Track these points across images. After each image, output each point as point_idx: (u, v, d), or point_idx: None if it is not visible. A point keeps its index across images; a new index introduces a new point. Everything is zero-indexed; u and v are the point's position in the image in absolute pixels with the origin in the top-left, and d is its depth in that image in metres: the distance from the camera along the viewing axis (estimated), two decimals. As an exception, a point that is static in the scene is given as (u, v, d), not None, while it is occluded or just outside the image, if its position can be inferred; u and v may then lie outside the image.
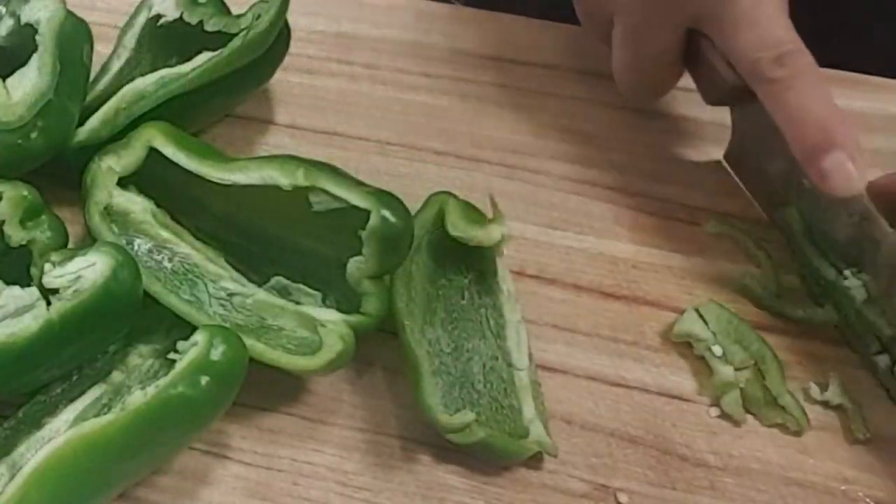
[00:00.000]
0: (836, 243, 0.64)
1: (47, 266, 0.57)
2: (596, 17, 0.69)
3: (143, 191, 0.64)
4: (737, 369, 0.62)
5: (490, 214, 0.63)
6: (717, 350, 0.63)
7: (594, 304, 0.66)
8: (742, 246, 0.68)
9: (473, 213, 0.63)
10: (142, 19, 0.71)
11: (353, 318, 0.59)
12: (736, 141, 0.70)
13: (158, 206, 0.64)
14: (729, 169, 0.71)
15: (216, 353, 0.54)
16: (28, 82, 0.63)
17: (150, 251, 0.62)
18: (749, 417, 0.62)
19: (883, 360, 0.62)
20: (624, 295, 0.66)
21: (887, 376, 0.62)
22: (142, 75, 0.68)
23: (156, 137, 0.63)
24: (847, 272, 0.63)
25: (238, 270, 0.62)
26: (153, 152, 0.63)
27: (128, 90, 0.67)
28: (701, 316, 0.63)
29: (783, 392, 0.62)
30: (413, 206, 0.61)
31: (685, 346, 0.64)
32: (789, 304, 0.65)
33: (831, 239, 0.65)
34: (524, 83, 0.75)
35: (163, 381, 0.54)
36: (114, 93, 0.67)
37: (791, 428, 0.61)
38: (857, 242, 0.63)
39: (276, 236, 0.63)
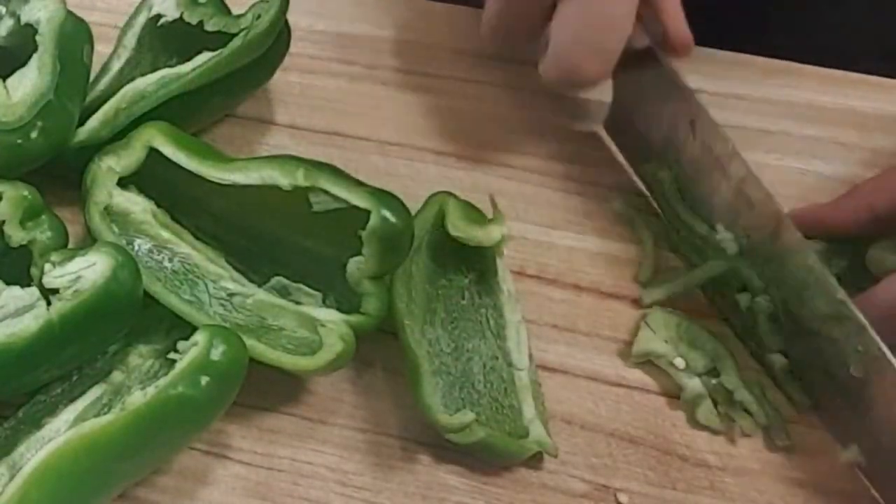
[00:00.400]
0: (711, 206, 0.65)
1: (47, 266, 0.57)
2: None
3: (143, 191, 0.64)
4: (701, 375, 0.62)
5: (490, 214, 0.63)
6: (679, 362, 0.62)
7: (594, 304, 0.66)
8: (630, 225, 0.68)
9: (473, 213, 0.63)
10: (142, 19, 0.71)
11: (353, 318, 0.59)
12: (616, 108, 0.70)
13: (158, 206, 0.64)
14: (606, 137, 0.71)
15: (216, 353, 0.54)
16: (28, 82, 0.63)
17: (150, 251, 0.62)
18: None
19: (778, 360, 0.62)
20: (624, 295, 0.66)
21: (785, 379, 0.62)
22: (142, 75, 0.68)
23: (156, 137, 0.63)
24: (719, 226, 0.63)
25: (238, 270, 0.62)
26: (153, 152, 0.63)
27: (128, 90, 0.67)
28: (649, 326, 0.63)
29: (739, 387, 0.61)
30: (413, 206, 0.61)
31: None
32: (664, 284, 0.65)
33: (706, 202, 0.65)
34: (524, 83, 0.75)
35: (163, 381, 0.54)
36: (114, 93, 0.67)
37: (751, 428, 0.61)
38: (732, 205, 0.63)
39: (276, 236, 0.63)
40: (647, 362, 0.63)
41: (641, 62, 0.66)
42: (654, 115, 0.67)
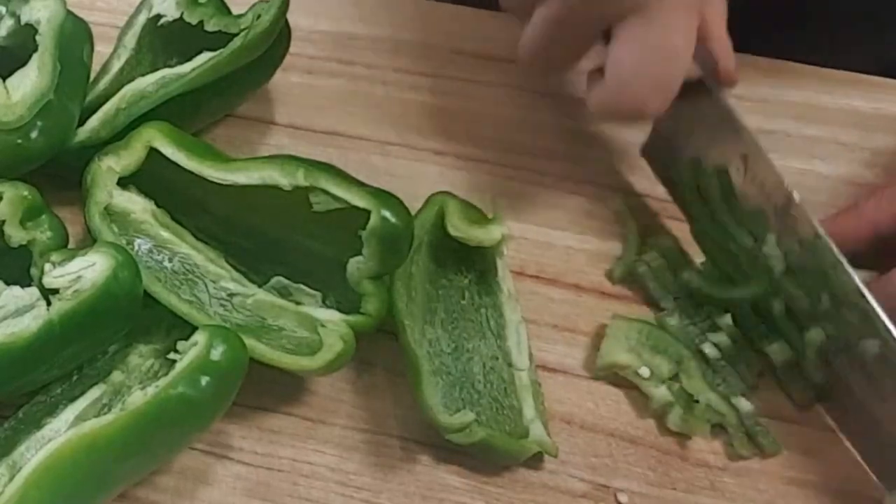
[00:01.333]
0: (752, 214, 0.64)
1: (47, 266, 0.57)
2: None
3: (143, 191, 0.64)
4: (667, 380, 0.62)
5: (490, 214, 0.63)
6: (644, 371, 0.62)
7: (594, 304, 0.66)
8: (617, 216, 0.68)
9: (473, 213, 0.63)
10: (142, 19, 0.71)
11: (353, 319, 0.59)
12: (658, 135, 0.69)
13: (158, 206, 0.64)
14: (647, 162, 0.70)
15: (216, 354, 0.54)
16: (28, 82, 0.63)
17: (150, 251, 0.62)
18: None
19: (781, 352, 0.62)
20: (624, 295, 0.66)
21: (788, 374, 0.62)
22: (142, 75, 0.68)
23: (156, 137, 0.63)
24: (770, 236, 0.62)
25: (238, 270, 0.62)
26: (153, 152, 0.63)
27: (128, 90, 0.67)
28: (611, 335, 0.63)
29: (704, 389, 0.61)
30: (413, 206, 0.61)
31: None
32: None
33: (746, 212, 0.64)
34: (524, 83, 0.75)
35: (163, 382, 0.54)
36: (114, 93, 0.67)
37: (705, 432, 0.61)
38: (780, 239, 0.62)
39: (276, 236, 0.63)
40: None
41: (691, 92, 0.64)
42: (704, 146, 0.65)
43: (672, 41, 0.61)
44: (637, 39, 0.61)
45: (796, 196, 0.60)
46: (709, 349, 0.62)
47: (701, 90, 0.64)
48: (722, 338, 0.63)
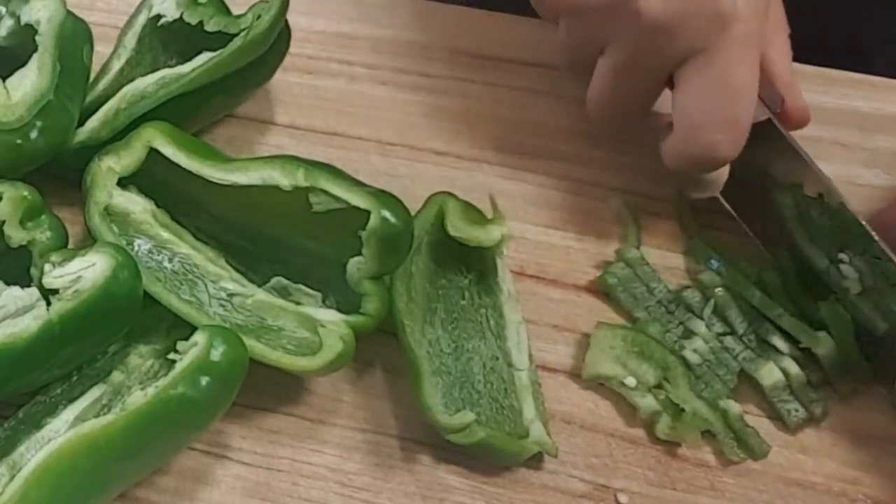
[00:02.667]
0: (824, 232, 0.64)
1: (47, 267, 0.57)
2: (584, 48, 0.65)
3: (143, 191, 0.64)
4: (653, 388, 0.61)
5: (490, 214, 0.63)
6: (630, 381, 0.61)
7: (594, 304, 0.66)
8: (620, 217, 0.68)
9: (473, 213, 0.63)
10: (142, 19, 0.71)
11: (353, 319, 0.59)
12: (736, 179, 0.68)
13: (158, 206, 0.64)
14: (727, 206, 0.70)
15: (216, 354, 0.54)
16: (28, 82, 0.63)
17: (150, 251, 0.62)
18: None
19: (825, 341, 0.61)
20: (624, 295, 0.66)
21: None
22: (142, 75, 0.68)
23: (156, 137, 0.63)
24: (843, 255, 0.62)
25: (238, 271, 0.62)
26: (153, 152, 0.63)
27: (128, 90, 0.67)
28: (596, 346, 0.62)
29: (690, 398, 0.60)
30: (413, 206, 0.61)
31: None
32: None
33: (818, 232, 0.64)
34: (524, 83, 0.75)
35: (163, 382, 0.54)
36: (114, 93, 0.67)
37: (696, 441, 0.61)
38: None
39: (276, 236, 0.63)
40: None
41: (761, 133, 0.63)
42: (778, 186, 0.65)
43: (736, 78, 0.60)
44: (700, 81, 0.60)
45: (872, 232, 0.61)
46: (690, 354, 0.62)
47: (771, 130, 0.63)
48: (699, 343, 0.63)
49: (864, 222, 0.61)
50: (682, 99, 0.61)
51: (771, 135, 0.64)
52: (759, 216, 0.67)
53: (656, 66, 0.62)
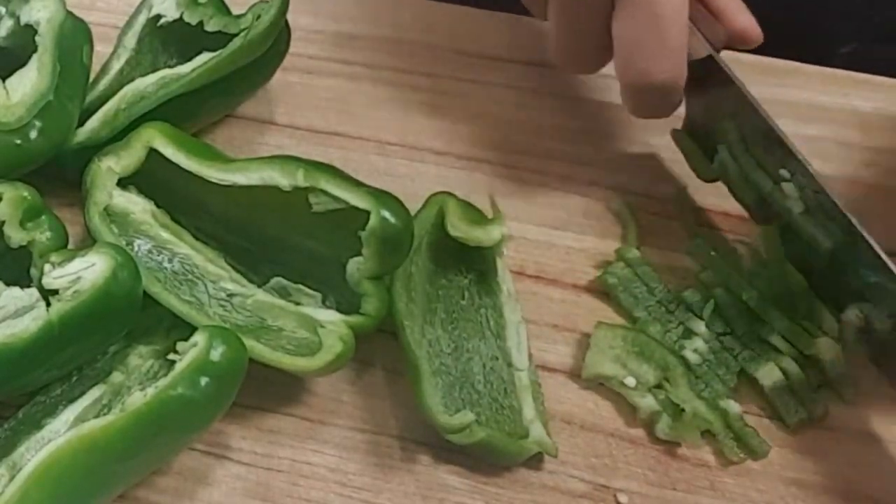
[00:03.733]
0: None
1: (47, 267, 0.57)
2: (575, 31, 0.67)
3: (143, 191, 0.64)
4: (653, 388, 0.61)
5: (490, 214, 0.63)
6: (630, 381, 0.61)
7: (594, 304, 0.66)
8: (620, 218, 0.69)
9: (473, 213, 0.63)
10: (142, 19, 0.71)
11: (353, 319, 0.59)
12: (689, 119, 0.69)
13: (158, 206, 0.64)
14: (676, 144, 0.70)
15: (216, 354, 0.54)
16: (28, 83, 0.63)
17: (150, 252, 0.62)
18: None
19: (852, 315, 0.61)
20: (624, 295, 0.66)
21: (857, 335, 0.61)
22: (142, 75, 0.68)
23: (156, 137, 0.63)
24: (784, 171, 0.63)
25: (238, 271, 0.62)
26: (153, 152, 0.63)
27: (128, 90, 0.67)
28: (596, 346, 0.62)
29: (691, 398, 0.60)
30: (413, 206, 0.61)
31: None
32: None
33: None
34: (524, 83, 0.75)
35: (163, 382, 0.54)
36: (114, 93, 0.67)
37: (718, 442, 0.60)
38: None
39: (276, 236, 0.63)
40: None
41: (705, 71, 0.65)
42: (723, 119, 0.66)
43: (664, 4, 0.62)
44: (631, 9, 0.62)
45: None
46: (690, 354, 0.62)
47: (714, 68, 0.65)
48: (699, 343, 0.63)
49: (799, 155, 0.62)
50: (616, 28, 0.63)
51: (712, 70, 0.65)
52: (710, 155, 0.68)
53: (597, 2, 0.64)
